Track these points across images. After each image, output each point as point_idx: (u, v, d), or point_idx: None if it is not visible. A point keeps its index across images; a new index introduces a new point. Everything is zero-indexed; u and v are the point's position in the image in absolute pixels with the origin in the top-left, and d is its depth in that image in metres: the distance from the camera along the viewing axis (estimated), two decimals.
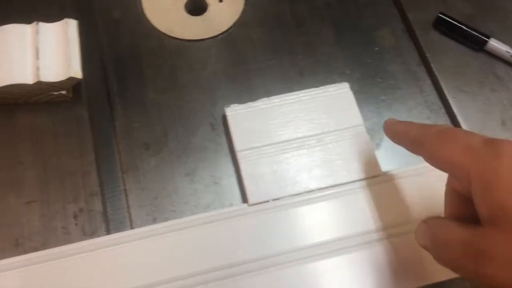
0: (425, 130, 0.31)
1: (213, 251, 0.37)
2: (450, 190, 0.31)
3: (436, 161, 0.30)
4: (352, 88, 0.44)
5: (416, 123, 0.33)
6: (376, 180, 0.40)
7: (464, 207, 0.30)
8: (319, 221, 0.38)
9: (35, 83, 0.40)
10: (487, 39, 0.47)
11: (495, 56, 0.48)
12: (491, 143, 0.26)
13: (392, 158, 0.43)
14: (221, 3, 0.50)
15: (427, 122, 0.45)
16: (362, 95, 0.46)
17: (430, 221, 0.30)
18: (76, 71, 0.41)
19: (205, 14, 0.49)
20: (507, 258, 0.24)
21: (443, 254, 0.28)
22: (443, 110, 0.46)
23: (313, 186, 0.39)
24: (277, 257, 0.37)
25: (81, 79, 0.42)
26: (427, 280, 0.37)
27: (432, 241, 0.29)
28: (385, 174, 0.40)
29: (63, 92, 0.42)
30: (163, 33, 0.48)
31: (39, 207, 0.39)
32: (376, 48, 0.48)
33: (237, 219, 0.38)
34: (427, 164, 0.39)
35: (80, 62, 0.42)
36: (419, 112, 0.45)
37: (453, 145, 0.28)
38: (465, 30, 0.48)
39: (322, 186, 0.39)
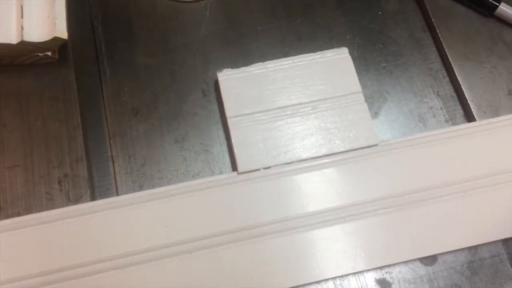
0: None
1: (201, 219, 0.36)
2: None
3: None
4: (352, 54, 0.42)
5: None
6: (373, 150, 0.38)
7: None
8: (311, 191, 0.37)
9: (19, 43, 0.39)
10: (497, 4, 0.44)
11: (505, 22, 0.45)
12: None
13: (390, 127, 0.41)
14: None
15: (430, 90, 0.42)
16: (362, 62, 0.44)
17: None
18: (62, 31, 0.40)
19: None
20: None
21: None
22: (447, 79, 0.43)
23: (306, 155, 0.38)
24: (267, 227, 0.35)
25: (66, 39, 0.40)
26: (418, 254, 0.35)
27: None
28: (382, 143, 0.38)
29: (48, 53, 0.41)
30: None
31: (22, 172, 0.38)
32: (379, 13, 0.46)
33: (226, 187, 0.37)
34: (424, 135, 0.38)
35: (67, 22, 0.40)
36: (422, 80, 0.43)
37: None
38: None
39: (316, 155, 0.38)
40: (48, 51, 0.41)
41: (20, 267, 0.34)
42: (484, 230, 0.36)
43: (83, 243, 0.35)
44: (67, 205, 0.36)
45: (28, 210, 0.36)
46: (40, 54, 0.41)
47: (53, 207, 0.36)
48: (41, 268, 0.34)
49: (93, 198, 0.37)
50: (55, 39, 0.39)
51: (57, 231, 0.35)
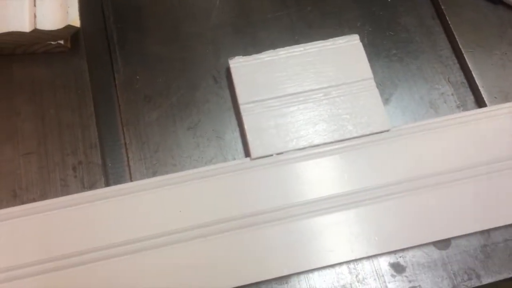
0: None
1: (214, 205, 0.36)
2: None
3: None
4: (362, 41, 0.42)
5: None
6: (384, 135, 0.38)
7: None
8: (324, 176, 0.37)
9: (32, 31, 0.39)
10: None
11: None
12: None
13: (402, 114, 0.41)
14: None
15: (440, 77, 0.43)
16: (372, 49, 0.44)
17: None
18: (74, 19, 0.40)
19: None
20: None
21: None
22: (457, 65, 0.43)
23: (318, 140, 0.38)
24: (280, 211, 0.36)
25: (79, 27, 0.40)
26: (431, 238, 0.35)
27: None
28: (394, 129, 0.38)
29: (61, 42, 0.41)
30: None
31: (36, 159, 0.38)
32: (389, 0, 0.46)
33: (239, 172, 0.37)
34: (435, 120, 0.38)
35: (79, 10, 0.40)
36: (432, 67, 0.43)
37: None
38: None
39: (328, 140, 0.38)
40: (61, 39, 0.41)
41: (38, 251, 0.34)
42: (497, 214, 0.36)
43: (98, 228, 0.35)
44: (81, 191, 0.37)
45: (44, 196, 0.37)
46: (53, 42, 0.41)
47: (68, 193, 0.37)
48: (58, 252, 0.34)
49: (107, 184, 0.38)
50: (68, 27, 0.40)
51: (73, 216, 0.35)
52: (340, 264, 0.35)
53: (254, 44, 0.44)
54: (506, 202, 0.37)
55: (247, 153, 0.38)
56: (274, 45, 0.43)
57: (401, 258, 0.36)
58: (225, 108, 0.41)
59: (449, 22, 0.44)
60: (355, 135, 0.38)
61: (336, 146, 0.38)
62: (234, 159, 0.39)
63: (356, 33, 0.43)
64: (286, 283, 0.35)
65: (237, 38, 0.44)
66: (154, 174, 0.38)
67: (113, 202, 0.36)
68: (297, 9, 0.45)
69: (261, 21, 0.45)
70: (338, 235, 0.35)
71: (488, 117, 0.39)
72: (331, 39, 0.41)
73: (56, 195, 0.37)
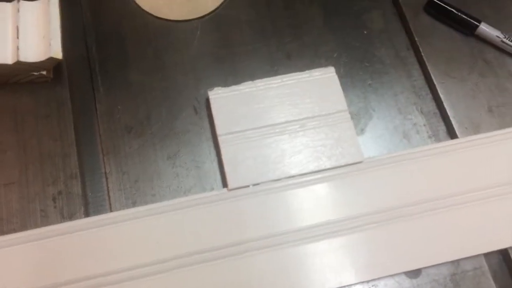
0: None
1: (192, 235, 0.37)
2: None
3: None
4: (338, 72, 0.43)
5: None
6: (358, 166, 0.39)
7: None
8: (299, 207, 0.38)
9: (15, 63, 0.40)
10: (478, 24, 0.46)
11: (485, 41, 0.47)
12: None
13: (376, 144, 0.42)
14: None
15: (413, 107, 0.44)
16: (348, 79, 0.45)
17: None
18: (57, 51, 0.41)
19: None
20: None
21: None
22: (430, 96, 0.45)
23: (294, 171, 0.39)
24: (256, 242, 0.37)
25: (61, 59, 0.41)
26: (403, 268, 0.37)
27: None
28: (367, 160, 0.40)
29: (44, 72, 0.42)
30: (148, 13, 0.47)
31: (17, 189, 0.39)
32: (365, 32, 0.48)
33: (216, 203, 0.38)
34: (407, 152, 0.39)
35: (61, 42, 0.41)
36: (406, 97, 0.45)
37: None
38: (456, 14, 0.47)
39: (304, 172, 0.39)
40: (43, 70, 0.42)
41: (15, 283, 0.34)
42: (466, 245, 0.38)
43: (77, 259, 0.36)
44: (61, 222, 0.37)
45: (24, 227, 0.37)
46: (35, 73, 0.42)
47: (47, 224, 0.37)
48: (36, 284, 0.35)
49: (87, 214, 0.38)
50: (50, 59, 0.40)
51: (52, 247, 0.36)
52: None
53: (234, 74, 0.45)
54: (475, 232, 0.38)
55: (224, 184, 0.39)
56: (253, 75, 0.44)
57: (374, 287, 0.37)
58: (204, 138, 0.42)
59: (422, 54, 0.46)
60: (330, 166, 0.39)
61: (311, 177, 0.39)
62: (213, 189, 0.40)
63: (332, 64, 0.44)
64: None
65: (218, 69, 0.45)
66: (134, 204, 0.39)
67: (92, 233, 0.36)
68: (276, 41, 0.47)
69: (241, 51, 0.46)
70: (312, 265, 0.36)
71: (458, 149, 0.40)
72: (307, 71, 0.43)
73: (36, 225, 0.37)
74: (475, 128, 0.43)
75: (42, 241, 0.36)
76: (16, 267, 0.35)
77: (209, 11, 0.48)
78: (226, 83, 0.43)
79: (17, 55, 0.40)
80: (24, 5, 0.42)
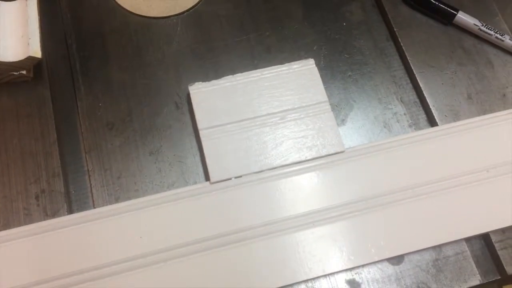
0: None
1: (175, 229, 0.37)
2: None
3: None
4: (318, 64, 0.44)
5: None
6: (339, 156, 0.40)
7: None
8: (281, 198, 0.38)
9: None
10: (455, 13, 0.47)
11: (463, 29, 0.47)
12: None
13: (357, 134, 0.43)
14: None
15: (393, 97, 0.44)
16: (328, 71, 0.45)
17: None
18: (36, 50, 0.41)
19: None
20: None
21: None
22: (410, 85, 0.45)
23: (276, 163, 0.39)
24: (238, 234, 0.37)
25: (41, 58, 0.41)
26: (385, 255, 0.37)
27: None
28: (348, 150, 0.40)
29: (23, 72, 0.42)
30: (128, 11, 0.47)
31: (0, 188, 0.39)
32: (344, 24, 0.48)
33: (199, 197, 0.38)
34: (388, 140, 0.40)
35: (40, 41, 0.41)
36: (386, 87, 0.45)
37: None
38: (434, 3, 0.47)
39: (285, 163, 0.39)
40: (23, 69, 0.42)
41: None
42: (447, 230, 0.38)
43: (61, 256, 0.36)
44: (44, 220, 0.37)
45: (6, 226, 0.37)
46: (15, 73, 0.42)
47: (31, 222, 0.37)
48: (19, 282, 0.35)
49: (70, 212, 0.38)
50: (30, 58, 0.40)
51: (35, 245, 0.36)
52: (299, 283, 0.37)
53: (215, 69, 0.45)
54: (456, 218, 0.38)
55: (207, 177, 0.40)
56: (234, 69, 0.45)
57: (357, 274, 0.37)
58: (186, 133, 0.42)
59: (402, 44, 0.46)
60: (311, 157, 0.39)
61: (293, 168, 0.39)
62: (196, 182, 0.40)
63: (313, 56, 0.44)
64: None
65: (198, 64, 0.45)
66: (117, 200, 0.39)
67: (76, 229, 0.36)
68: (256, 35, 0.47)
69: (222, 46, 0.46)
70: (295, 255, 0.36)
71: (438, 136, 0.41)
72: (287, 64, 0.43)
73: (19, 224, 0.37)
74: (455, 116, 0.43)
75: (26, 239, 0.36)
76: (1, 265, 0.35)
77: (189, 7, 0.48)
78: (207, 78, 0.43)
79: None
80: (2, 5, 0.42)
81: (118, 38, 0.46)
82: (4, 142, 0.40)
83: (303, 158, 0.39)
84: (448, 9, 0.47)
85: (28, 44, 0.41)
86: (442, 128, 0.42)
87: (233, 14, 0.48)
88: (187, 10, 0.48)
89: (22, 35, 0.41)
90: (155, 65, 0.45)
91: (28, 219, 0.38)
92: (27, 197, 0.39)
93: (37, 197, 0.39)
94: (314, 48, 0.46)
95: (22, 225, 0.37)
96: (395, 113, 0.44)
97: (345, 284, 0.37)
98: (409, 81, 0.45)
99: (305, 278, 0.36)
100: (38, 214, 0.38)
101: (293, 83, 0.42)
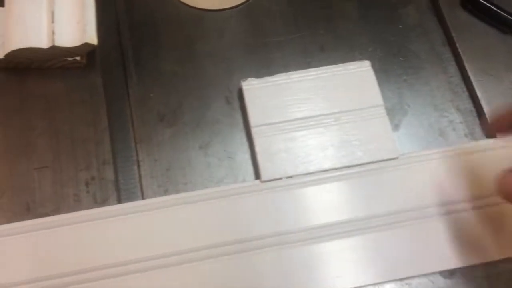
0: None
1: (223, 225, 0.36)
2: None
3: None
4: (373, 66, 0.43)
5: None
6: (393, 162, 0.39)
7: None
8: (332, 202, 0.37)
9: (50, 48, 0.40)
10: None
11: None
12: None
13: (411, 141, 0.42)
14: None
15: (450, 104, 0.43)
16: (383, 74, 0.44)
17: None
18: (92, 37, 0.41)
19: None
20: None
21: None
22: (466, 93, 0.44)
23: (327, 165, 0.38)
24: (288, 235, 0.36)
25: (96, 45, 0.41)
26: (435, 267, 0.36)
27: None
28: (402, 157, 0.39)
29: (77, 58, 0.42)
30: (181, 2, 0.47)
31: (50, 173, 0.39)
32: (400, 26, 0.47)
33: (249, 195, 0.37)
34: (444, 149, 0.39)
35: (96, 28, 0.41)
36: (442, 93, 0.44)
37: None
38: (494, 10, 0.46)
39: (337, 166, 0.38)
40: (77, 56, 0.42)
41: (50, 267, 0.35)
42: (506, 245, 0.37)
43: (109, 245, 0.36)
44: (93, 207, 0.37)
45: (56, 211, 0.37)
46: (69, 58, 0.42)
47: (80, 209, 0.37)
48: (69, 268, 0.35)
49: (119, 200, 0.38)
50: (85, 45, 0.40)
51: (85, 232, 0.36)
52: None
53: (267, 65, 0.44)
54: None
55: (257, 175, 0.39)
56: (286, 67, 0.44)
57: (407, 285, 0.36)
58: (236, 129, 0.42)
59: (459, 50, 0.45)
60: (364, 161, 0.38)
61: (345, 172, 0.38)
62: (244, 180, 0.40)
63: (367, 58, 0.43)
64: None
65: (250, 59, 0.45)
66: (166, 192, 0.39)
67: (125, 219, 0.36)
68: (310, 32, 0.46)
69: (274, 42, 0.45)
70: (343, 262, 0.36)
71: (495, 148, 0.40)
72: (342, 64, 0.42)
73: (69, 210, 0.37)
74: None
75: (75, 226, 0.36)
76: (50, 251, 0.35)
77: (242, 1, 0.47)
78: (258, 74, 0.42)
79: (53, 40, 0.40)
80: None
81: (171, 29, 0.46)
82: (55, 127, 0.40)
83: (356, 162, 0.38)
84: (509, 17, 0.46)
85: (84, 30, 0.41)
86: (498, 140, 0.40)
87: (287, 10, 0.47)
88: (241, 4, 0.47)
89: (78, 21, 0.41)
90: (206, 58, 0.45)
91: (78, 205, 0.38)
92: (77, 184, 0.39)
93: (87, 184, 0.39)
94: (369, 49, 0.45)
95: (72, 211, 0.37)
96: (451, 121, 0.42)
97: None
98: (465, 88, 0.44)
99: (353, 286, 0.35)
100: (87, 201, 0.38)
101: (349, 85, 0.41)
